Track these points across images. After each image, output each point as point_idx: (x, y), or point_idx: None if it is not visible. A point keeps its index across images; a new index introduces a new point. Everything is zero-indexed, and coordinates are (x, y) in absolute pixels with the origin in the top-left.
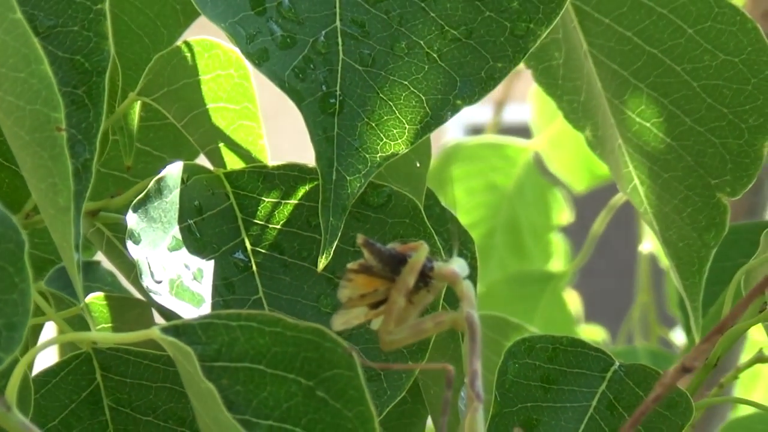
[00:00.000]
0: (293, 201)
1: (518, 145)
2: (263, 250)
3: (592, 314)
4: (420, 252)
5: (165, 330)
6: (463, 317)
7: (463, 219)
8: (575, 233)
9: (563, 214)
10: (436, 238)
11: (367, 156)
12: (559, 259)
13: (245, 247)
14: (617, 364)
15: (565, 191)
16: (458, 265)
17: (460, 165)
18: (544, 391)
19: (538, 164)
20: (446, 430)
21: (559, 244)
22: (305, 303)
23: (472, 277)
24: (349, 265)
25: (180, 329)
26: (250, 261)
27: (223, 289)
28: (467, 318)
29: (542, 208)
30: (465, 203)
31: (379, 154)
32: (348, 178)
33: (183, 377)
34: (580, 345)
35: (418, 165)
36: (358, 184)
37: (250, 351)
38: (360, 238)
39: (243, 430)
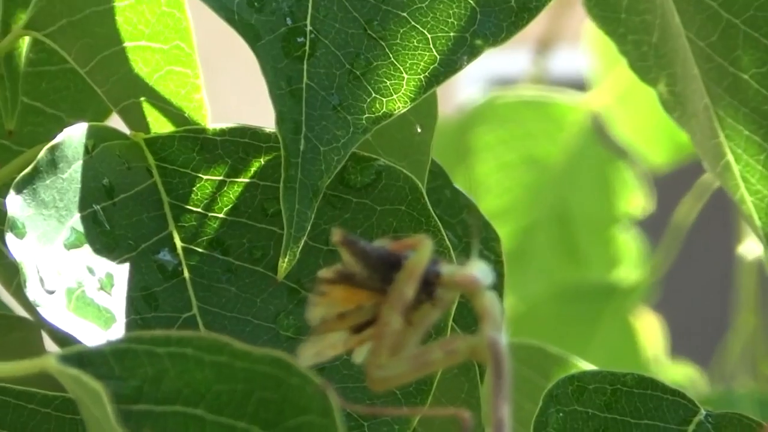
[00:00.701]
0: (243, 179)
1: (569, 103)
2: (199, 249)
3: (676, 344)
4: (421, 251)
5: (64, 359)
6: (484, 344)
7: (491, 206)
8: (653, 229)
9: (634, 201)
10: (443, 233)
11: (349, 118)
12: (628, 265)
13: (174, 245)
14: (704, 413)
15: (637, 168)
16: (478, 271)
17: (486, 131)
18: None
19: (598, 129)
20: None
21: (628, 244)
22: (258, 324)
23: (498, 287)
24: (322, 273)
25: (85, 358)
26: (180, 264)
27: (142, 303)
28: (490, 345)
29: (603, 192)
30: (493, 184)
31: (366, 114)
32: (321, 148)
33: (88, 426)
34: (651, 386)
35: (419, 130)
36: (336, 157)
37: (183, 389)
38: (337, 234)
39: None
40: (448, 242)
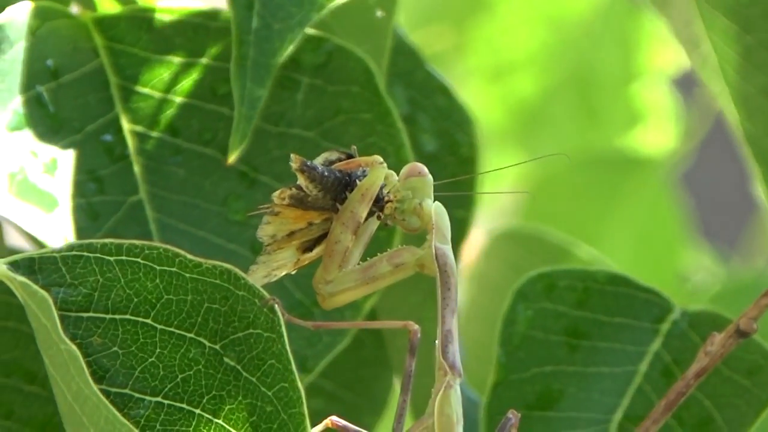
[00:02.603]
0: (193, 60)
1: None
2: (147, 131)
3: (708, 225)
4: (374, 172)
5: (13, 265)
6: (431, 256)
7: (505, 63)
8: (689, 89)
9: (665, 55)
10: (398, 122)
11: None
12: (656, 129)
13: (120, 127)
14: (678, 311)
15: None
16: (419, 179)
17: None
18: (571, 349)
19: None
20: (410, 412)
21: (657, 104)
22: (206, 207)
23: (468, 187)
24: (276, 195)
25: (35, 264)
26: (126, 147)
27: (87, 186)
28: (437, 256)
29: (629, 47)
30: (508, 43)
31: None
32: (275, 26)
33: (37, 333)
34: (623, 283)
35: (379, 14)
36: (290, 35)
37: (133, 298)
38: (295, 160)
39: (116, 412)
40: (403, 138)
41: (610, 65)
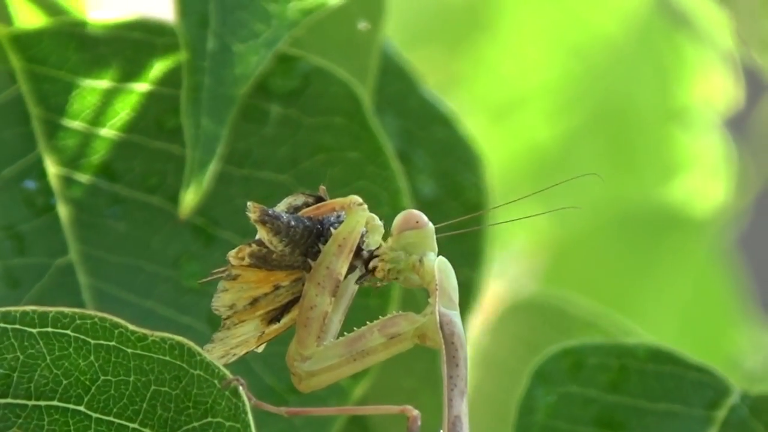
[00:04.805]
0: (133, 86)
1: None
2: (77, 175)
3: (766, 297)
4: (352, 216)
5: None
6: (435, 324)
7: (516, 102)
8: (742, 131)
9: (712, 88)
10: (392, 162)
11: (272, 6)
12: (705, 180)
13: (44, 170)
14: (737, 394)
15: (719, 50)
16: (421, 229)
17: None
18: None
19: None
20: None
21: (706, 150)
22: (153, 271)
23: (478, 246)
24: (233, 254)
25: None
26: (52, 195)
27: (4, 245)
28: (443, 324)
29: (668, 81)
30: (521, 72)
31: (294, 2)
32: (235, 47)
33: None
34: (668, 359)
35: (363, 25)
36: (256, 58)
37: (62, 380)
38: (254, 211)
39: None
40: (399, 183)
41: (645, 100)
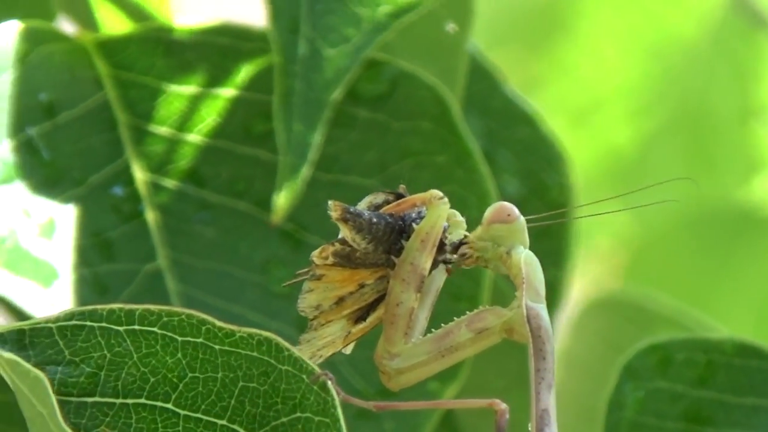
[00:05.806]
0: (221, 91)
1: None
2: (165, 181)
3: None
4: (434, 210)
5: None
6: (522, 318)
7: (592, 104)
8: None
9: None
10: (480, 165)
11: (362, 10)
12: None
13: (131, 176)
14: None
15: None
16: (516, 227)
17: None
18: None
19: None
20: None
21: None
22: (242, 277)
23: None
24: (317, 254)
25: (26, 337)
26: (140, 201)
27: (92, 252)
28: (530, 318)
29: (745, 75)
30: (598, 74)
31: (383, 6)
32: (326, 52)
33: (30, 424)
34: (756, 354)
35: (451, 27)
36: (345, 62)
37: (149, 378)
38: (335, 208)
39: None
40: (488, 184)
41: (723, 99)
